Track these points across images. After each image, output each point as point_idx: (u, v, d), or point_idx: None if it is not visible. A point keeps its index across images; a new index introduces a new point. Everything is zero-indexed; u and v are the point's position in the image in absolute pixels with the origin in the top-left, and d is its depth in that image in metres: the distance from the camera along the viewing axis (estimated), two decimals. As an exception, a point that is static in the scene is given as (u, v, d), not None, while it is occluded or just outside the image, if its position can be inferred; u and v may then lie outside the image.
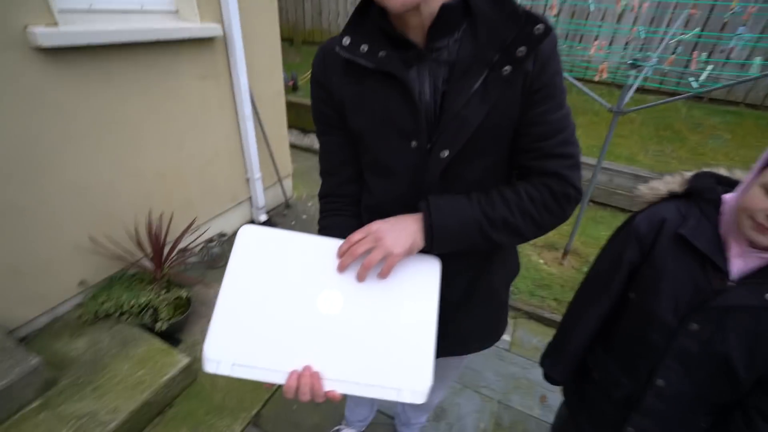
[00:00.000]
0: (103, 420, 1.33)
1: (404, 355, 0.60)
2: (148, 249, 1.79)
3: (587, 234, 2.84)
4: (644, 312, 0.84)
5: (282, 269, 0.63)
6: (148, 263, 1.80)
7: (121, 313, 1.67)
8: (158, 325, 1.65)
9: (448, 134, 0.63)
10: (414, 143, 0.66)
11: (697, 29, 2.38)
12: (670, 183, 0.88)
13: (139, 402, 1.40)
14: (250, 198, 2.54)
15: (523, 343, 2.01)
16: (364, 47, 0.63)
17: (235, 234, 2.39)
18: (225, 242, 2.32)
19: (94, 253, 1.71)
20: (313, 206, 2.92)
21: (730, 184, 0.81)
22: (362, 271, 0.62)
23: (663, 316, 0.80)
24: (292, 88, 4.82)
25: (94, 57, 1.52)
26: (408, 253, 0.64)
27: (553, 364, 1.04)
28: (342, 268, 0.63)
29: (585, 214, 2.56)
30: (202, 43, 1.91)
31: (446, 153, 0.64)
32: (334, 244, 0.65)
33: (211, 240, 2.24)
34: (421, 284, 0.66)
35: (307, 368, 0.58)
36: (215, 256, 2.21)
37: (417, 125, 0.64)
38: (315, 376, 0.58)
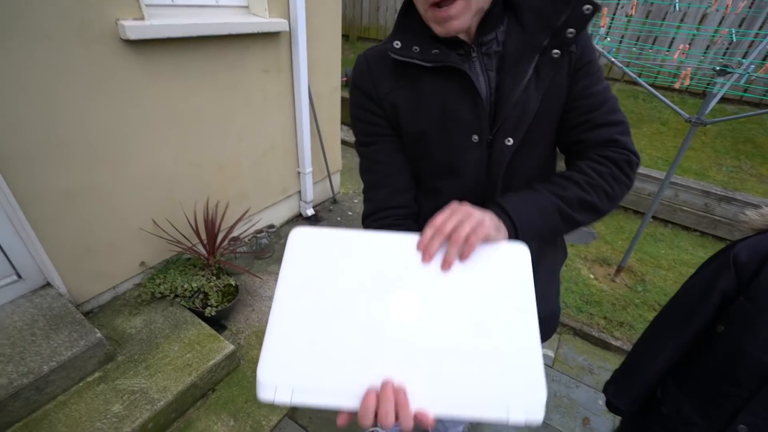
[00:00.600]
0: (153, 398, 1.39)
1: (509, 363, 0.46)
2: (204, 236, 1.86)
3: (645, 251, 2.64)
4: (734, 348, 0.76)
5: (342, 273, 0.52)
6: (202, 249, 1.87)
7: (175, 296, 1.74)
8: (207, 310, 1.71)
9: (510, 122, 0.64)
10: (475, 137, 0.65)
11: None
12: None
13: (186, 384, 1.45)
14: (299, 192, 2.58)
15: (567, 360, 1.90)
16: (416, 48, 0.64)
17: (283, 227, 2.43)
18: (273, 234, 2.38)
19: (155, 237, 1.80)
20: (359, 203, 2.92)
21: None
22: (452, 248, 0.51)
23: (757, 355, 0.73)
24: (345, 83, 4.87)
25: (171, 50, 1.58)
26: (497, 235, 0.55)
27: (619, 392, 0.97)
28: (430, 255, 0.51)
29: (644, 230, 2.38)
30: (269, 37, 1.95)
31: (510, 141, 0.65)
32: (399, 239, 0.55)
33: (260, 231, 2.30)
34: (511, 274, 0.52)
35: (387, 382, 0.45)
36: (263, 247, 2.27)
37: (478, 117, 0.64)
38: (400, 392, 0.44)
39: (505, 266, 0.53)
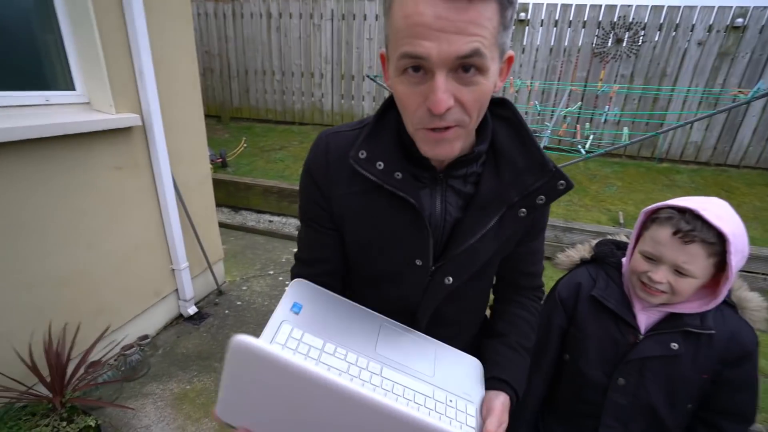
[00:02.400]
0: None
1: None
2: (46, 371, 1.49)
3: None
4: (578, 372, 0.90)
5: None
6: (45, 389, 1.49)
7: (3, 465, 1.32)
8: (56, 471, 1.33)
9: (455, 264, 0.65)
10: (419, 262, 0.65)
11: (579, 103, 2.83)
12: (581, 251, 1.00)
13: None
14: (176, 290, 2.30)
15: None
16: (380, 164, 0.60)
17: (159, 334, 2.10)
18: (147, 345, 2.04)
19: (-32, 390, 1.38)
20: (248, 290, 2.72)
21: (627, 248, 0.93)
22: None
23: (593, 373, 0.87)
24: (221, 165, 4.72)
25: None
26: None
27: None
28: None
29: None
30: (119, 132, 1.80)
31: (450, 280, 0.66)
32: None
33: (129, 346, 1.95)
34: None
35: None
36: (135, 365, 1.91)
37: (424, 248, 0.64)
38: None
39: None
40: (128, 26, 1.75)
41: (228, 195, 4.16)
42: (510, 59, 0.55)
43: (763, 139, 4.36)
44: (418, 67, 0.48)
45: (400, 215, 0.63)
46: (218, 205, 4.15)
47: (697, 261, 0.72)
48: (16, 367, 1.48)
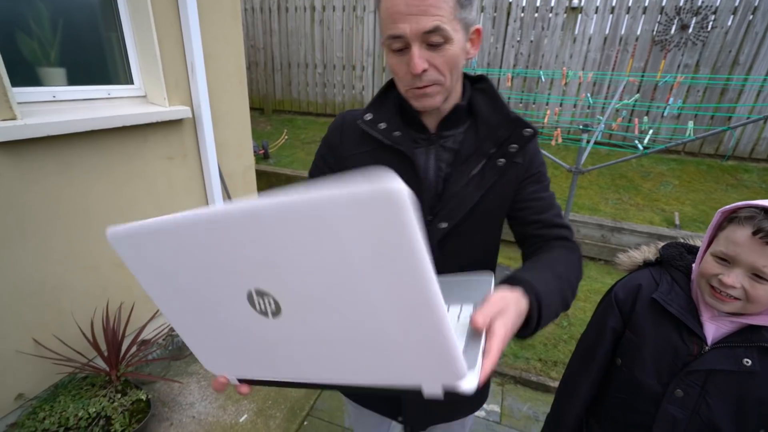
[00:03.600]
0: None
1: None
2: (104, 347, 1.62)
3: (564, 287, 2.85)
4: (631, 378, 0.83)
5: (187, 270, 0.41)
6: (102, 363, 1.62)
7: (67, 429, 1.45)
8: (111, 439, 1.44)
9: (446, 209, 0.73)
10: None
11: (637, 95, 2.63)
12: (645, 252, 0.93)
13: None
14: (219, 276, 2.41)
15: (513, 412, 1.90)
16: (382, 125, 0.74)
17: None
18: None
19: (38, 358, 1.52)
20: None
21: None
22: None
23: (647, 382, 0.80)
24: (263, 156, 4.87)
25: (55, 148, 1.46)
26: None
27: None
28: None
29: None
30: (171, 124, 1.90)
31: (444, 225, 0.73)
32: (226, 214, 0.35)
33: (176, 326, 2.07)
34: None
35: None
36: (181, 345, 2.03)
37: (421, 199, 0.72)
38: None
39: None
40: (182, 24, 1.83)
41: (269, 185, 4.29)
42: (477, 31, 0.69)
43: None
44: (401, 44, 0.63)
45: (400, 170, 0.69)
46: (260, 195, 4.31)
47: None
48: (80, 341, 1.61)
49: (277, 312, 0.38)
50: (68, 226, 1.56)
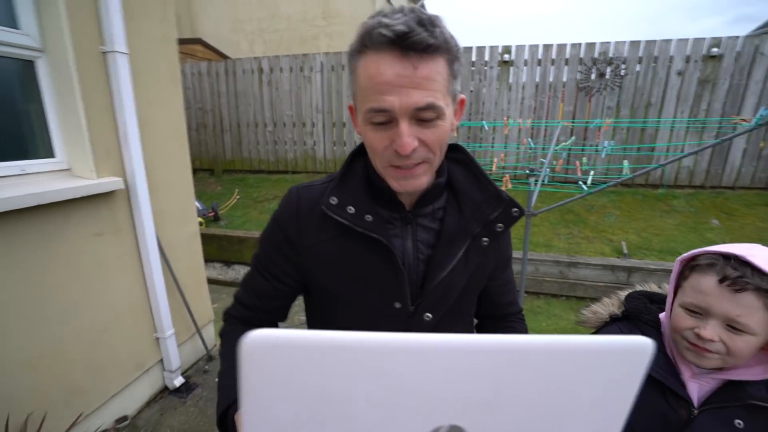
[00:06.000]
0: None
1: None
2: (5, 475, 1.30)
3: (529, 327, 2.82)
4: None
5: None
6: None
7: None
8: None
9: (431, 299, 0.67)
10: (398, 304, 0.66)
11: (572, 138, 2.82)
12: (609, 305, 0.89)
13: None
14: (161, 360, 2.12)
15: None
16: (351, 209, 0.64)
17: (141, 413, 1.91)
18: (127, 429, 1.83)
19: None
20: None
21: (663, 301, 0.81)
22: None
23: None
24: (213, 218, 4.64)
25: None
26: None
27: None
28: None
29: (523, 306, 2.57)
30: (99, 198, 1.72)
31: (430, 316, 0.68)
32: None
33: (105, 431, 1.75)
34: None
35: None
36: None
37: (401, 288, 0.65)
38: None
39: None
40: (113, 90, 1.72)
41: (220, 249, 4.04)
42: (462, 101, 0.63)
43: (754, 159, 4.37)
44: (384, 118, 0.55)
45: (374, 258, 0.65)
46: (210, 260, 4.03)
47: (753, 313, 0.61)
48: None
49: None
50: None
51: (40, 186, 1.53)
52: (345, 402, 0.33)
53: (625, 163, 2.01)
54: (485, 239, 0.68)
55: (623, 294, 0.88)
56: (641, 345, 0.36)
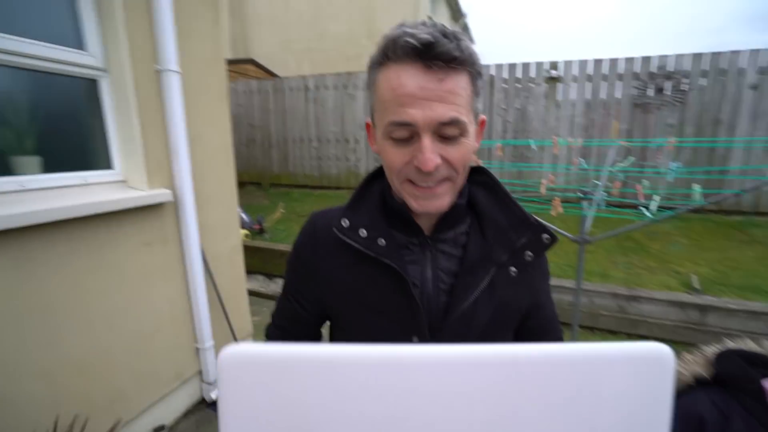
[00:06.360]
0: None
1: None
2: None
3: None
4: None
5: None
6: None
7: None
8: None
9: (451, 333, 0.61)
10: (415, 338, 0.61)
11: (632, 158, 2.60)
12: (693, 364, 0.71)
13: None
14: (200, 372, 2.14)
15: None
16: (363, 231, 0.61)
17: (179, 424, 1.91)
18: (162, 439, 1.84)
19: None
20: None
21: (766, 364, 0.65)
22: None
23: None
24: (258, 231, 4.77)
25: (11, 241, 1.32)
26: None
27: None
28: None
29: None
30: (150, 209, 1.79)
31: None
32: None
33: (142, 440, 1.77)
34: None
35: None
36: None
37: (417, 320, 0.60)
38: None
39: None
40: (167, 108, 1.81)
41: (263, 262, 4.12)
42: (482, 122, 0.60)
43: None
44: (406, 133, 0.52)
45: (387, 286, 0.61)
46: (253, 272, 4.12)
47: None
48: (15, 472, 1.33)
49: None
50: (20, 325, 1.37)
51: (100, 195, 1.62)
52: (327, 417, 0.32)
53: (697, 186, 1.79)
54: (513, 269, 0.62)
55: (709, 350, 0.72)
56: (657, 350, 0.32)
